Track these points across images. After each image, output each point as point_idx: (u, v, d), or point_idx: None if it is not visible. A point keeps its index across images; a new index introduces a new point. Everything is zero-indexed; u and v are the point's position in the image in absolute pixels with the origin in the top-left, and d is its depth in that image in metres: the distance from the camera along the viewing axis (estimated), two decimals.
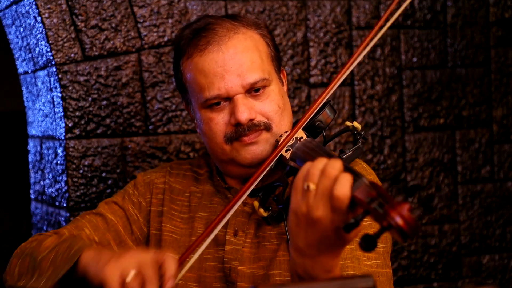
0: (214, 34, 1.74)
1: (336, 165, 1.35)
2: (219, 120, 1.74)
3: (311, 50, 2.67)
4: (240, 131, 1.71)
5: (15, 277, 1.75)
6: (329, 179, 1.33)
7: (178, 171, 1.95)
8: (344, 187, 1.31)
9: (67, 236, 1.78)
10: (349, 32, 2.71)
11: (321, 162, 1.38)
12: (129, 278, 1.45)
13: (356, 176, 1.31)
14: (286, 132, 1.73)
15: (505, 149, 2.91)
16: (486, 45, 2.88)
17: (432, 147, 2.81)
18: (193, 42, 1.77)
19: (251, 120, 1.71)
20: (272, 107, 1.74)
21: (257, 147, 1.73)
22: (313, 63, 2.67)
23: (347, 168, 1.35)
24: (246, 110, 1.71)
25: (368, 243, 1.20)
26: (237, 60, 1.72)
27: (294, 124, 1.69)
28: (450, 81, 2.84)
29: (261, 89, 1.74)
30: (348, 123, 1.67)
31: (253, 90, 1.73)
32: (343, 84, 2.70)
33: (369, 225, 1.62)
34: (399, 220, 1.19)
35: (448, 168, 2.84)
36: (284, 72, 1.89)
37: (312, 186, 1.35)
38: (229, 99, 1.73)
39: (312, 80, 2.66)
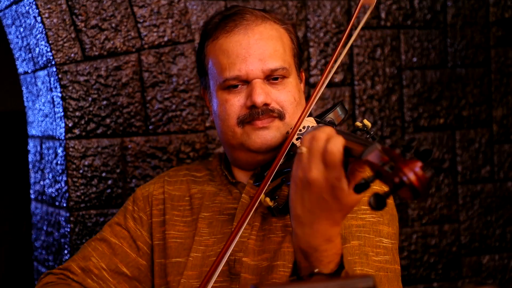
0: (242, 19, 1.80)
1: (326, 129, 1.39)
2: (235, 102, 1.77)
3: (311, 50, 2.67)
4: (253, 114, 1.75)
5: None
6: (318, 140, 1.37)
7: (176, 178, 1.96)
8: (336, 143, 1.35)
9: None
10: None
11: (314, 129, 1.42)
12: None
13: (368, 143, 1.32)
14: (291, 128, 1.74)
15: (505, 149, 2.91)
16: (486, 45, 2.88)
17: (432, 147, 2.81)
18: (220, 25, 1.82)
19: (266, 104, 1.75)
20: (288, 98, 1.78)
21: (267, 133, 1.76)
22: (313, 63, 2.67)
23: (354, 141, 1.36)
24: (263, 93, 1.74)
25: (378, 202, 1.20)
26: (261, 46, 1.77)
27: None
28: (450, 81, 2.84)
29: (280, 78, 1.78)
30: (358, 123, 1.68)
31: (271, 78, 1.77)
32: (343, 84, 2.71)
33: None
34: (411, 176, 1.19)
35: (448, 168, 2.84)
36: (303, 74, 1.93)
37: (304, 149, 1.39)
38: (247, 82, 1.77)
39: (312, 80, 2.66)
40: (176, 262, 1.83)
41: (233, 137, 1.79)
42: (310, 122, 1.71)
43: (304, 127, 1.69)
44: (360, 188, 1.24)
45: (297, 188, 1.41)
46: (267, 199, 1.70)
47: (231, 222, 1.81)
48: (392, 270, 1.67)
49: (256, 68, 1.75)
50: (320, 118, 1.75)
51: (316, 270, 1.45)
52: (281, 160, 1.64)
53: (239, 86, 1.77)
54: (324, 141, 1.37)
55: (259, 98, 1.73)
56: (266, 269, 1.72)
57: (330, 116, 1.76)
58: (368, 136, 1.67)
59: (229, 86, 1.78)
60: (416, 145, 1.29)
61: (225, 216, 1.84)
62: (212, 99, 1.85)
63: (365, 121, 1.68)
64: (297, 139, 1.67)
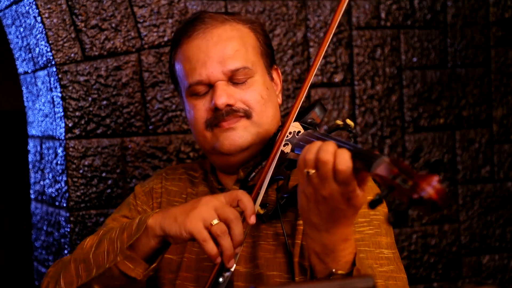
0: (201, 23, 1.79)
1: (328, 148, 1.39)
2: (201, 107, 1.77)
3: (311, 50, 2.66)
4: (218, 116, 1.74)
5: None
6: (326, 164, 1.38)
7: (174, 175, 1.96)
8: (344, 161, 1.36)
9: (106, 229, 1.80)
10: (349, 32, 2.71)
11: (315, 146, 1.42)
12: (214, 223, 1.53)
13: (374, 155, 1.31)
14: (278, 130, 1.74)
15: (505, 149, 2.91)
16: (486, 45, 2.88)
17: (432, 147, 2.81)
18: (183, 31, 1.82)
19: (229, 105, 1.74)
20: (254, 96, 1.77)
21: (235, 133, 1.75)
22: None
23: (360, 154, 1.36)
24: (225, 95, 1.73)
25: (399, 219, 1.18)
26: (220, 48, 1.75)
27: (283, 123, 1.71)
28: (450, 81, 2.84)
29: (244, 78, 1.76)
30: (338, 121, 1.67)
31: (235, 79, 1.76)
32: (343, 84, 2.71)
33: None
34: (431, 191, 1.18)
35: (448, 168, 2.84)
36: (279, 71, 1.90)
37: (312, 171, 1.40)
38: (211, 86, 1.76)
39: (312, 80, 2.65)
40: (167, 258, 1.81)
41: (205, 142, 1.79)
42: (296, 127, 1.69)
43: (290, 133, 1.67)
44: (375, 204, 1.24)
45: (310, 201, 1.44)
46: (258, 208, 1.68)
47: None
48: (400, 279, 1.66)
49: (216, 71, 1.74)
50: (300, 120, 1.73)
51: (333, 271, 1.46)
52: (270, 168, 1.64)
53: (204, 90, 1.77)
54: (332, 163, 1.38)
55: (220, 100, 1.72)
56: (259, 276, 1.71)
57: (311, 117, 1.74)
58: (350, 135, 1.65)
59: (194, 91, 1.77)
60: (424, 156, 1.27)
61: None
62: (184, 105, 1.85)
63: (348, 121, 1.67)
64: (284, 145, 1.66)
